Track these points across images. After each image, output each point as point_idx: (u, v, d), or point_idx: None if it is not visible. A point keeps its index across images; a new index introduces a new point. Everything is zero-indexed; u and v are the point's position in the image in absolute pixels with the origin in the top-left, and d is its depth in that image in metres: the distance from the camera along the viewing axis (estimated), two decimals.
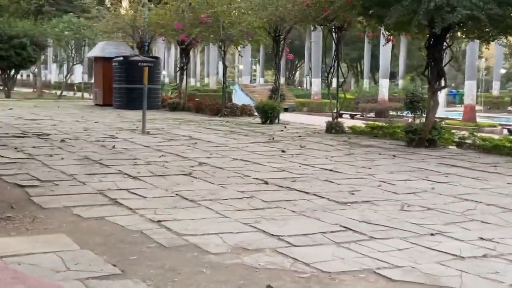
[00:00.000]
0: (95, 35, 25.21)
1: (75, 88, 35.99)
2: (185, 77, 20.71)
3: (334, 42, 13.70)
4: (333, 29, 13.37)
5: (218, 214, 5.20)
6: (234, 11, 16.84)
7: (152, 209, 5.26)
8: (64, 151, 8.90)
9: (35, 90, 32.07)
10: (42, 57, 40.31)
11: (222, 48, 17.69)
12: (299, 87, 49.28)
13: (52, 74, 53.14)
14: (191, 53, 61.24)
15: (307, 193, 6.30)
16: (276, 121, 15.69)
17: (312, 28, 15.58)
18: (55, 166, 7.36)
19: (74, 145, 9.59)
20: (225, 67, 18.48)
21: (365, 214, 5.42)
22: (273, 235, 4.58)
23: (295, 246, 4.33)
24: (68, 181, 6.44)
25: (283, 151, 9.71)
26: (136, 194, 5.92)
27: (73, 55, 29.29)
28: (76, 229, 4.54)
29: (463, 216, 5.44)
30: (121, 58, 19.95)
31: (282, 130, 13.62)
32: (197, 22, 17.34)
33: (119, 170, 7.28)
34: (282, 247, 4.29)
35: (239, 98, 24.84)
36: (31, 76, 47.78)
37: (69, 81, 40.68)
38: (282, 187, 6.62)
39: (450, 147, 10.95)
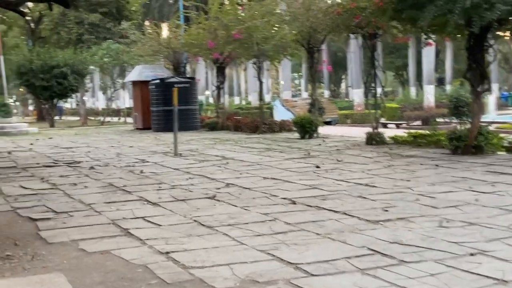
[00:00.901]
0: (132, 59, 25.40)
1: (121, 113, 36.45)
2: (223, 95, 20.50)
3: (369, 50, 13.18)
4: (367, 36, 12.85)
5: (234, 241, 4.79)
6: (267, 25, 16.51)
7: (163, 239, 4.89)
8: (90, 178, 8.70)
9: (80, 118, 32.68)
10: (90, 84, 41.14)
11: (257, 64, 17.39)
12: (345, 99, 48.53)
13: (99, 101, 54.14)
14: (234, 71, 61.35)
15: (337, 212, 5.82)
16: (315, 135, 15.19)
17: (345, 37, 15.09)
18: (75, 196, 7.13)
19: (102, 172, 9.38)
20: (260, 83, 18.10)
21: (398, 233, 4.90)
22: (290, 263, 4.14)
23: (313, 275, 3.87)
24: (84, 211, 6.17)
25: (317, 167, 9.24)
26: (151, 222, 5.57)
27: (114, 80, 29.67)
28: (77, 266, 4.21)
29: (509, 231, 4.84)
30: (158, 81, 19.90)
31: (320, 144, 13.11)
32: (230, 40, 17.16)
33: (141, 197, 6.97)
34: (298, 277, 3.83)
35: (280, 113, 24.46)
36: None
37: (115, 107, 41.32)
38: (311, 206, 6.16)
39: (499, 153, 10.19)
